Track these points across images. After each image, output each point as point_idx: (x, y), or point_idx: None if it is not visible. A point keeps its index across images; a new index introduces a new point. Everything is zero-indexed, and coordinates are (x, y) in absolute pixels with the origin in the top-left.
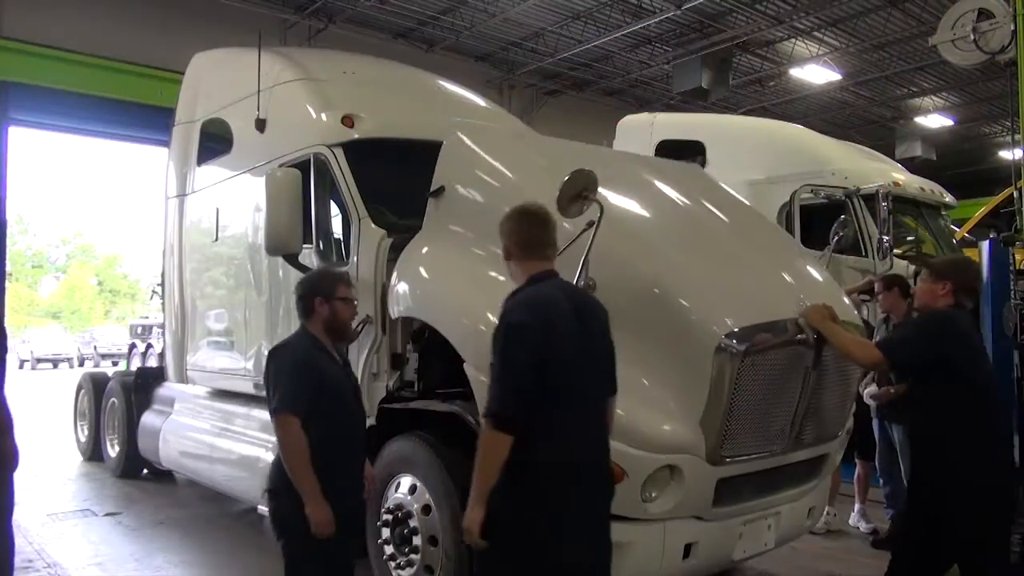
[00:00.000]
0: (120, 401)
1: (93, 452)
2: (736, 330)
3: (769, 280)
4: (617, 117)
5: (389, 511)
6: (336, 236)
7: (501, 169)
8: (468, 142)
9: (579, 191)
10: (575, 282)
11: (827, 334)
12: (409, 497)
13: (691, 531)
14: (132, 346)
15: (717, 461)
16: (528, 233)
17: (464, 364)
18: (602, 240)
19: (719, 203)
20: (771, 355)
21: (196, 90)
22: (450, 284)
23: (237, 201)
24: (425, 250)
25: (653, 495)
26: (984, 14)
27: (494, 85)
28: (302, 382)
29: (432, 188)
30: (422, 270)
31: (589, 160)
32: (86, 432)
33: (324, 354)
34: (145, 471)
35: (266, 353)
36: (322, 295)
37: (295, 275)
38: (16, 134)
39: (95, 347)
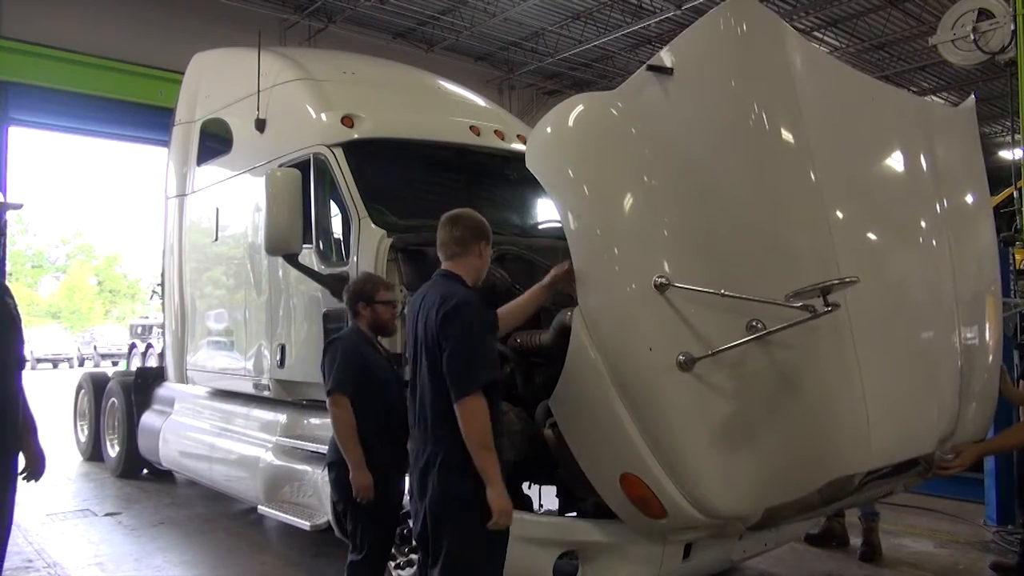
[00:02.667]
0: (120, 401)
1: (93, 452)
2: (866, 472)
3: (935, 393)
4: None
5: None
6: (336, 236)
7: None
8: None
9: (822, 293)
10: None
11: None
12: (409, 497)
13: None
14: (132, 346)
15: (758, 528)
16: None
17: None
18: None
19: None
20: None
21: (196, 90)
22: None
23: (237, 201)
24: (582, 109)
25: (680, 532)
26: (984, 14)
27: (494, 85)
28: (351, 368)
29: (655, 62)
30: (549, 129)
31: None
32: (86, 432)
33: (369, 346)
34: (145, 471)
35: (266, 353)
36: (364, 300)
37: (295, 275)
38: (16, 134)
39: (95, 347)
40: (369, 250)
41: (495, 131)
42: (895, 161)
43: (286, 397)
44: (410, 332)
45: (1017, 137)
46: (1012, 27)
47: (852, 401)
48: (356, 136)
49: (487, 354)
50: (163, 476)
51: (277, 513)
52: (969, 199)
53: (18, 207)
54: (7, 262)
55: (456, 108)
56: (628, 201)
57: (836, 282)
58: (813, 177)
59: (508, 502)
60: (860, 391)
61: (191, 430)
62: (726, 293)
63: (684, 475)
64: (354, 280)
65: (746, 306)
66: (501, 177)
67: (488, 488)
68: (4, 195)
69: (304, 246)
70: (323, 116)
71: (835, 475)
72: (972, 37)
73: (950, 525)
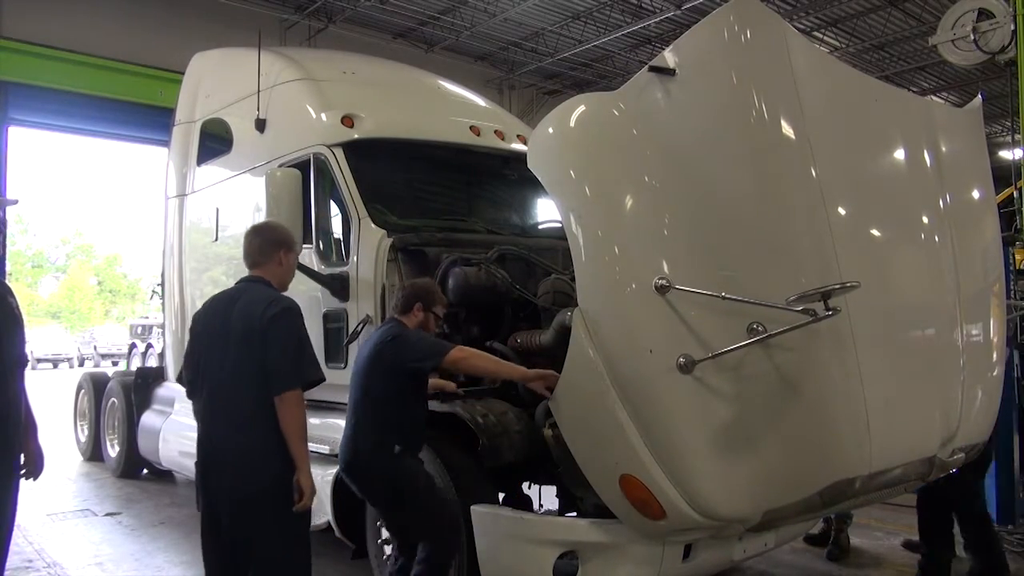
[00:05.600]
0: (120, 401)
1: (93, 452)
2: (867, 474)
3: (937, 394)
4: None
5: None
6: (336, 236)
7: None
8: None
9: (823, 297)
10: None
11: None
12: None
13: None
14: (132, 346)
15: (758, 529)
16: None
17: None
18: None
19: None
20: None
21: (196, 90)
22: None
23: (237, 201)
24: (584, 110)
25: (680, 534)
26: (984, 14)
27: (494, 85)
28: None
29: (657, 63)
30: (550, 130)
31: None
32: (86, 432)
33: None
34: (145, 471)
35: None
36: (423, 303)
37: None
38: (16, 134)
39: (95, 347)
40: (369, 250)
41: (495, 131)
42: (898, 161)
43: None
44: (205, 329)
45: (1017, 137)
46: (1012, 27)
47: (852, 404)
48: (356, 136)
49: (312, 355)
50: (163, 476)
51: None
52: (973, 197)
53: (12, 203)
54: (7, 262)
55: (456, 108)
56: (629, 202)
57: (837, 287)
58: (815, 178)
59: (314, 484)
60: (860, 394)
61: (191, 430)
62: (727, 296)
63: (683, 477)
64: (419, 280)
65: (747, 308)
66: (501, 177)
67: (299, 473)
68: (4, 194)
69: (304, 246)
70: (323, 116)
71: (834, 478)
72: (972, 37)
73: None
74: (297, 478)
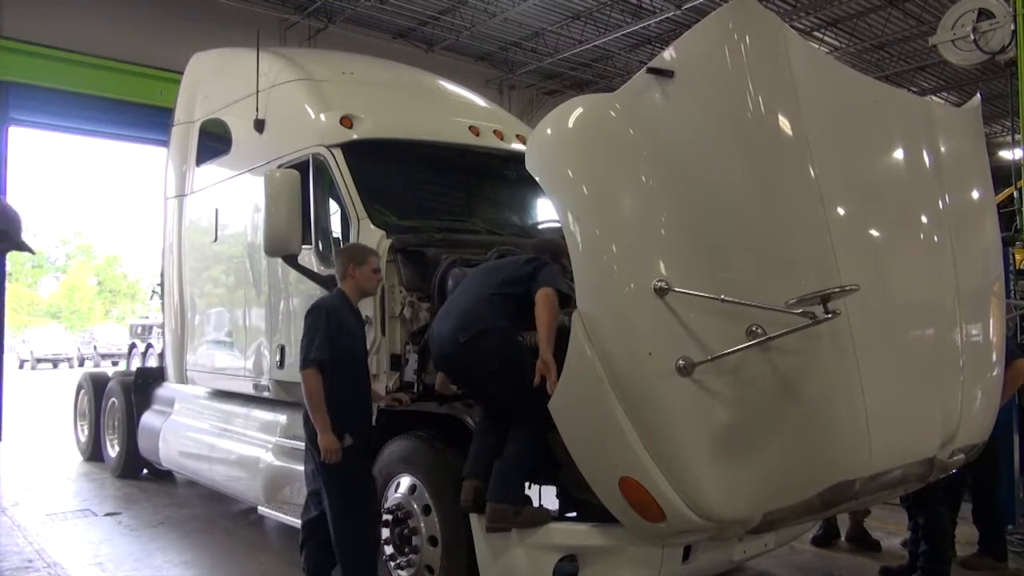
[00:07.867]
0: (120, 401)
1: (93, 452)
2: (867, 476)
3: (936, 395)
4: None
5: (389, 511)
6: (335, 237)
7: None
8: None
9: (822, 301)
10: None
11: None
12: (409, 497)
13: None
14: (132, 346)
15: (758, 531)
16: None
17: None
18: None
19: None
20: None
21: (195, 90)
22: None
23: (236, 201)
24: (582, 111)
25: (679, 536)
26: (984, 14)
27: (494, 85)
28: None
29: (655, 64)
30: (548, 131)
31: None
32: (86, 432)
33: None
34: (145, 471)
35: (266, 353)
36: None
37: (294, 275)
38: (16, 134)
39: (95, 347)
40: None
41: (494, 131)
42: (897, 162)
43: (286, 397)
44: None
45: (1017, 137)
46: (1012, 27)
47: (852, 406)
48: (355, 136)
49: (321, 341)
50: (163, 476)
51: (277, 514)
52: (973, 197)
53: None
54: (7, 262)
55: (455, 108)
56: (627, 202)
57: (836, 290)
58: (814, 178)
59: (332, 442)
60: (860, 396)
61: (191, 430)
62: (726, 298)
63: (683, 479)
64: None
65: (746, 311)
66: (500, 177)
67: (319, 435)
68: (4, 193)
69: (303, 247)
70: (322, 116)
71: (834, 480)
72: (972, 37)
73: None
74: (319, 439)
